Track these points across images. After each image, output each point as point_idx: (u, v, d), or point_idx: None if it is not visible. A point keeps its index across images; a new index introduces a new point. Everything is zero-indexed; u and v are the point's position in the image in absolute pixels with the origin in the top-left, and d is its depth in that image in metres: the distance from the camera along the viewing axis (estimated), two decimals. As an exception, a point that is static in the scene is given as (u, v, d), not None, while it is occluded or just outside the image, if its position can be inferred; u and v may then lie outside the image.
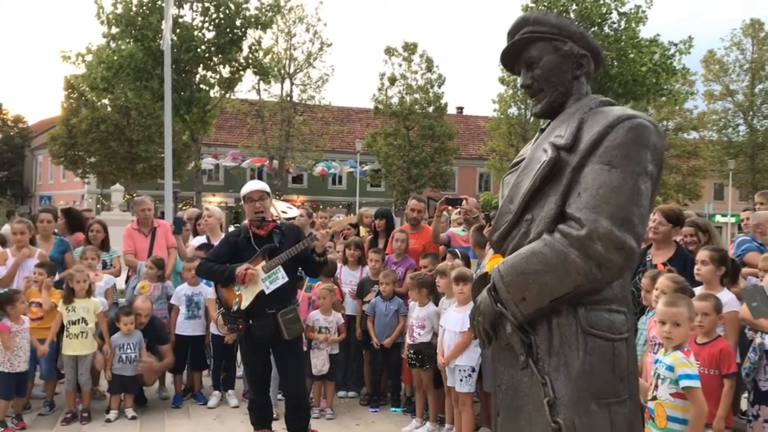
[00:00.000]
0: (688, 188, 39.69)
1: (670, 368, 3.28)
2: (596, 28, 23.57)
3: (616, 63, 22.68)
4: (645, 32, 24.50)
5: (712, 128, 41.19)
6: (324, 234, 4.49)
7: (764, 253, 5.17)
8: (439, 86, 33.65)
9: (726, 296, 4.10)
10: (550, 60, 2.42)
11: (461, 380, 4.88)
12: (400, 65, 33.68)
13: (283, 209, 11.77)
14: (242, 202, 4.68)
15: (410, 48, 33.59)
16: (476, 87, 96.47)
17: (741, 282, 4.70)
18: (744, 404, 4.47)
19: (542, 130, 2.50)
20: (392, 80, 33.48)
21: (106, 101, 26.74)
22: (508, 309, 2.20)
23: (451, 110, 40.32)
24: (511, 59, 2.54)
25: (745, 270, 5.13)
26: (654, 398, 3.37)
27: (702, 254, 4.35)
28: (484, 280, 2.36)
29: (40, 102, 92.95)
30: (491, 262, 2.42)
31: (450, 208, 6.78)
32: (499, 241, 2.43)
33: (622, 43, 23.21)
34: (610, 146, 2.16)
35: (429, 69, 33.62)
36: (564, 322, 2.17)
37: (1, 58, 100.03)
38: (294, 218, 9.57)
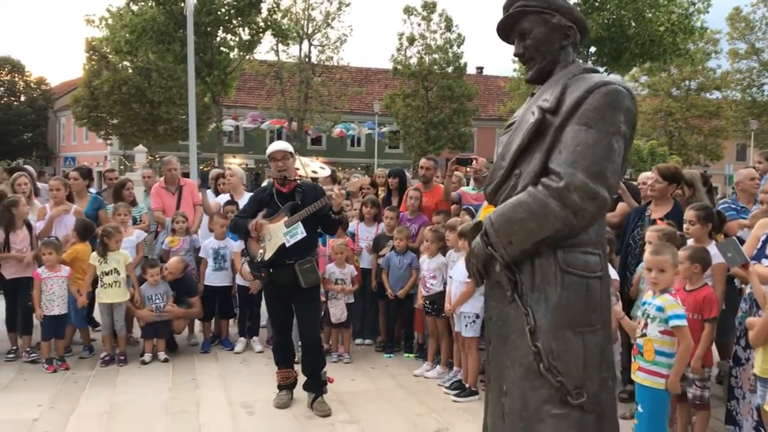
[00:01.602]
0: (709, 149, 39.42)
1: (660, 309, 3.64)
2: (614, -13, 23.29)
3: (633, 23, 22.47)
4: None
5: (736, 88, 40.61)
6: (339, 193, 4.82)
7: (743, 216, 5.41)
8: (459, 46, 33.47)
9: (714, 249, 4.38)
10: (540, 31, 2.72)
11: (466, 326, 5.28)
12: (419, 25, 33.52)
13: (315, 169, 12.06)
14: (268, 159, 5.03)
15: (429, 7, 33.35)
16: (496, 46, 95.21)
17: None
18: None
19: (533, 95, 2.81)
20: (411, 40, 33.36)
21: (127, 63, 27.06)
22: (497, 251, 2.54)
23: (471, 70, 40.07)
24: (505, 30, 2.84)
25: (742, 222, 5.39)
26: (643, 335, 3.73)
27: (689, 214, 4.62)
28: (478, 228, 2.69)
29: (62, 64, 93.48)
30: (484, 212, 2.76)
31: (461, 167, 7.07)
32: (492, 193, 2.76)
33: (639, 3, 22.84)
34: (587, 109, 2.46)
35: (448, 28, 33.42)
36: (545, 262, 2.51)
37: (23, 21, 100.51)
38: (326, 177, 9.98)
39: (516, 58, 2.97)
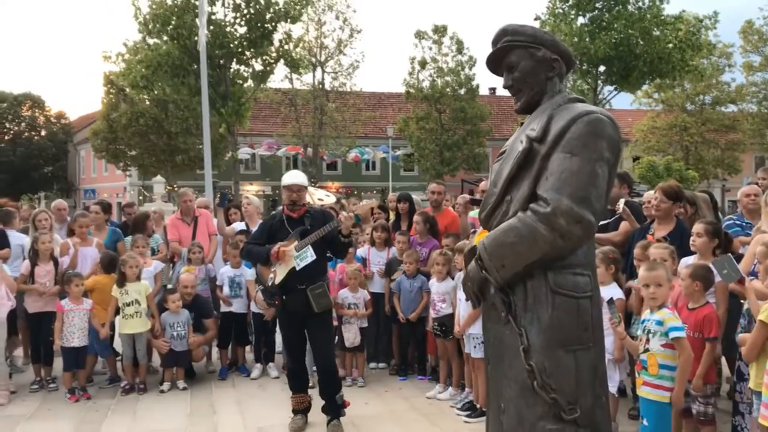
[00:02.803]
0: (726, 162, 39.14)
1: (660, 323, 3.76)
2: (620, 6, 23.42)
3: (641, 41, 22.59)
4: (669, 9, 24.33)
5: (752, 100, 40.40)
6: (348, 217, 4.98)
7: (748, 233, 5.47)
8: (470, 68, 33.79)
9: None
10: (526, 64, 2.86)
11: (475, 347, 5.36)
12: (431, 48, 33.91)
13: (321, 197, 12.30)
14: (282, 188, 5.21)
15: (440, 30, 33.74)
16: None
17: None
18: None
19: (521, 124, 2.94)
20: (423, 64, 33.71)
21: (144, 96, 27.63)
22: (491, 274, 2.66)
23: (484, 91, 40.26)
24: (494, 64, 2.99)
25: (743, 239, 5.45)
26: (646, 351, 3.82)
27: (698, 227, 4.73)
28: (473, 252, 2.82)
29: (80, 98, 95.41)
30: (479, 237, 2.89)
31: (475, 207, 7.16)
32: (486, 219, 2.88)
33: (646, 22, 23.04)
34: (571, 138, 2.59)
35: (459, 51, 33.76)
36: (536, 284, 2.62)
37: (42, 58, 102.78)
38: (333, 204, 10.19)
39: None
